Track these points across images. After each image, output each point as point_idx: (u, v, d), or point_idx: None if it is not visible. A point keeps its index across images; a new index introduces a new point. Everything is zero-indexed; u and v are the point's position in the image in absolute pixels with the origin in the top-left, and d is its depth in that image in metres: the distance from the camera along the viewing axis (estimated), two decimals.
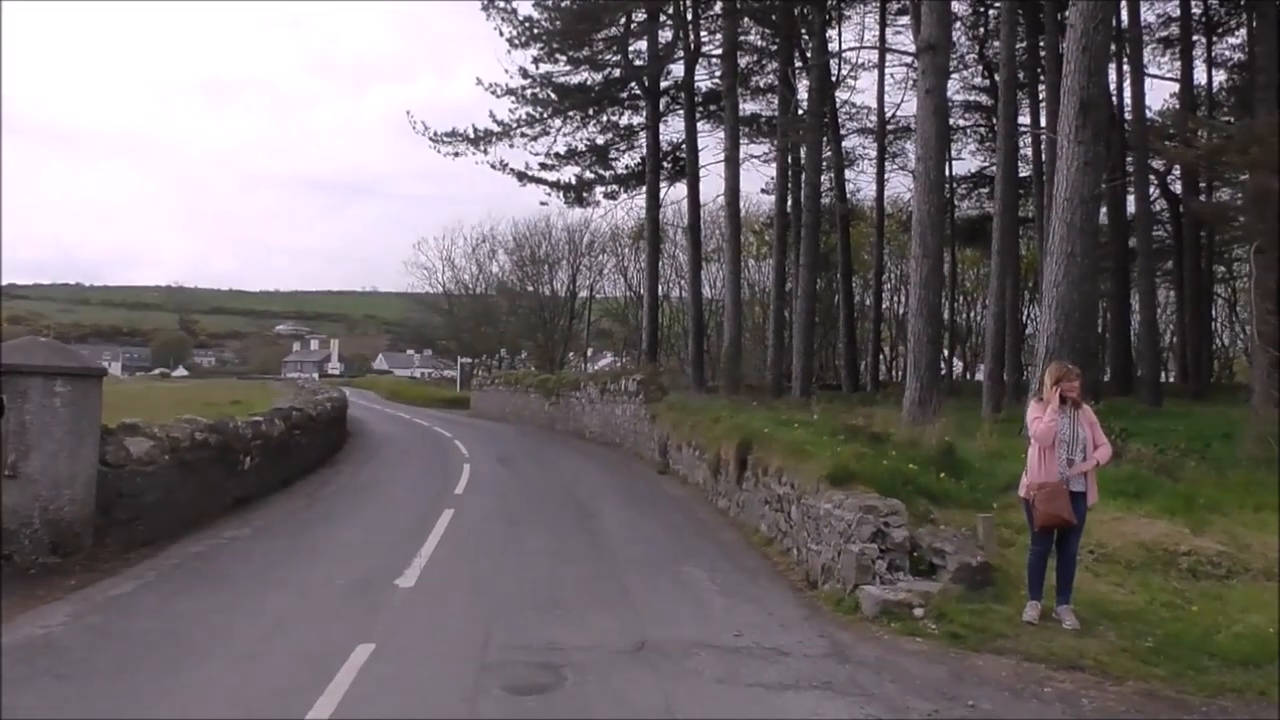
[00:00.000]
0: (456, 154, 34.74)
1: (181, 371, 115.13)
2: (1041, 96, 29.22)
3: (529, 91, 34.52)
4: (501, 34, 33.02)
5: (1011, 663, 6.48)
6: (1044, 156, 26.62)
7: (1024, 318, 35.90)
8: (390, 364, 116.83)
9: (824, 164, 33.74)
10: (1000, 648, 6.73)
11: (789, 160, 33.17)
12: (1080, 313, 14.84)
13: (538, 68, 34.30)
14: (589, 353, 55.63)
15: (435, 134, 34.40)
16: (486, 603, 7.98)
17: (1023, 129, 28.05)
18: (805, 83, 31.76)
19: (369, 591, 8.24)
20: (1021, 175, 29.63)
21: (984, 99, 36.61)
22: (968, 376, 44.46)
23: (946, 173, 31.18)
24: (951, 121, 32.54)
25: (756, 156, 38.51)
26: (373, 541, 10.78)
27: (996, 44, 30.23)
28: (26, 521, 8.67)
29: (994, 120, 31.63)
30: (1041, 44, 28.21)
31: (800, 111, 30.79)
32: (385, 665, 6.14)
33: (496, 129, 34.53)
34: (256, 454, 13.43)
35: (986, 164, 37.92)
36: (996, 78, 30.08)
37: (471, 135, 34.39)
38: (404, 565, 9.17)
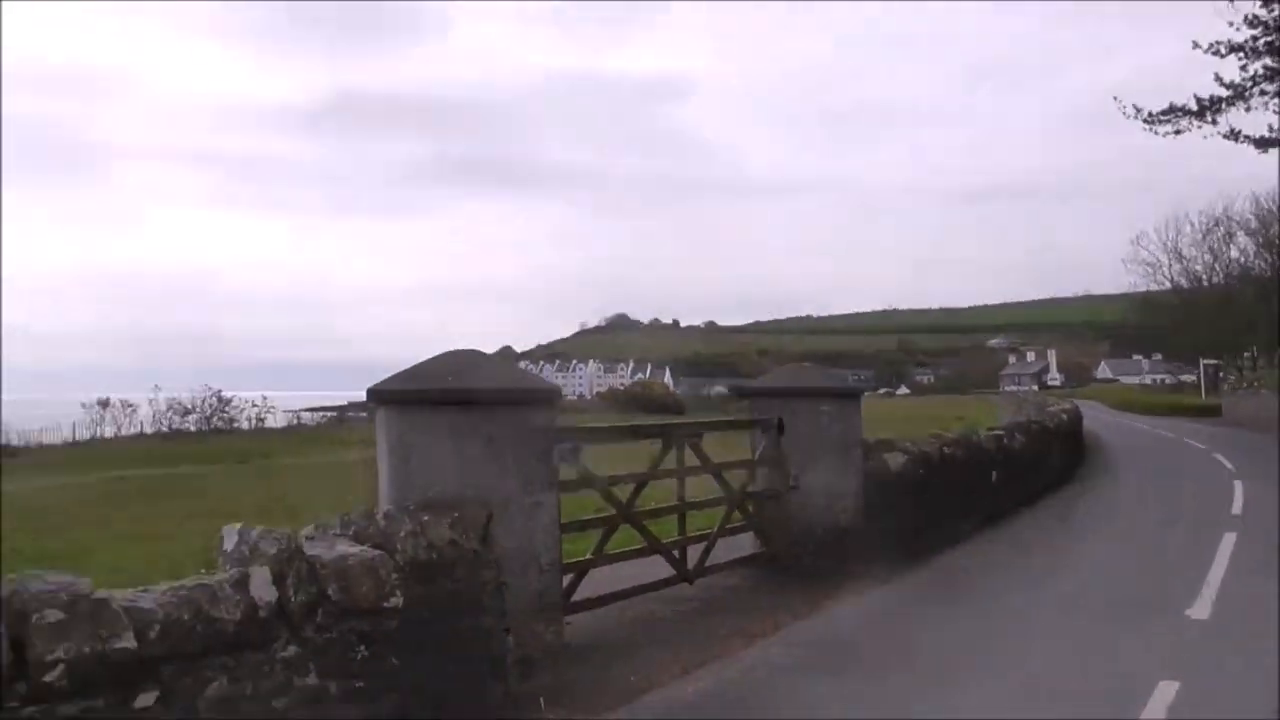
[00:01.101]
0: (1177, 131, 31.15)
1: (904, 390, 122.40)
2: None
3: (1261, 41, 29.42)
4: None
5: None
6: None
7: None
8: (1113, 371, 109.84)
9: None
10: None
11: None
12: None
13: (1271, 10, 29.01)
14: None
15: (1150, 114, 31.26)
16: None
17: None
18: None
19: (1153, 619, 7.45)
20: None
21: None
22: None
23: None
24: None
25: None
26: (1142, 564, 9.92)
27: None
28: (809, 530, 9.67)
29: None
30: None
31: None
32: (1195, 708, 5.40)
33: (1226, 93, 30.02)
34: (1000, 468, 13.30)
35: None
36: None
37: (1194, 108, 30.51)
38: (1190, 593, 8.12)
